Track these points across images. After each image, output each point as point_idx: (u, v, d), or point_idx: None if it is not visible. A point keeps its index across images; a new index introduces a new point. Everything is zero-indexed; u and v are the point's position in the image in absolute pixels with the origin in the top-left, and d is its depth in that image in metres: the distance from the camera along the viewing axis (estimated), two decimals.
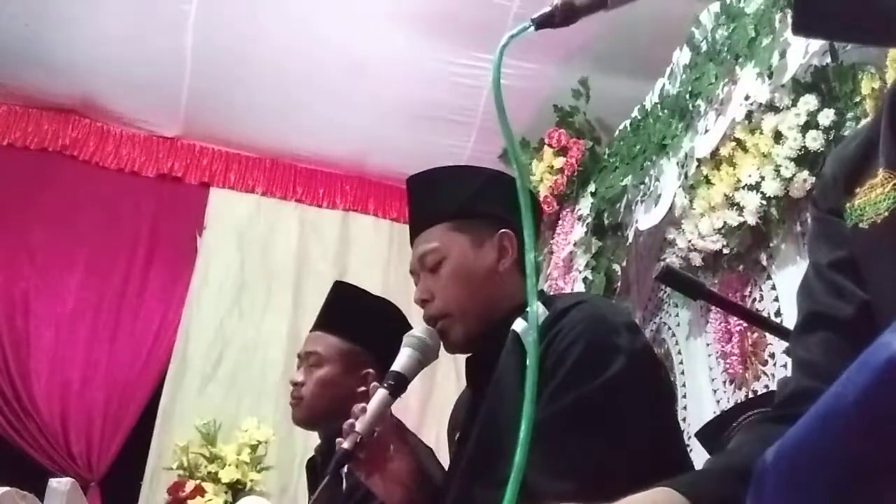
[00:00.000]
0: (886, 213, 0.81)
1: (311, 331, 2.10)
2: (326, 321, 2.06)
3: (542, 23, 0.82)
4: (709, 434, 1.73)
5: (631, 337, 1.22)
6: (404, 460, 1.31)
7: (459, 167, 1.56)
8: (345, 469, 1.81)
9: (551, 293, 1.94)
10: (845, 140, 1.00)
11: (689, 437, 1.81)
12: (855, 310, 0.87)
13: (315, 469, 2.02)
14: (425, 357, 1.34)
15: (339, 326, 2.01)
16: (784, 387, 0.94)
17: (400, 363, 1.32)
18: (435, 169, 1.50)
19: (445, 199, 1.43)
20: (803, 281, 0.96)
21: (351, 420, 1.26)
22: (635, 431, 1.15)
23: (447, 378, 4.16)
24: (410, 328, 2.05)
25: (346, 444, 1.23)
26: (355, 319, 2.01)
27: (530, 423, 0.65)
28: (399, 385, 1.30)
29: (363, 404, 1.28)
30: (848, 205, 0.88)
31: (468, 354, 1.44)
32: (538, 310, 1.26)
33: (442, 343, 1.38)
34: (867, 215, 0.84)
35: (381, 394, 1.28)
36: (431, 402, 4.09)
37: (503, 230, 1.39)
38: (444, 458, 1.65)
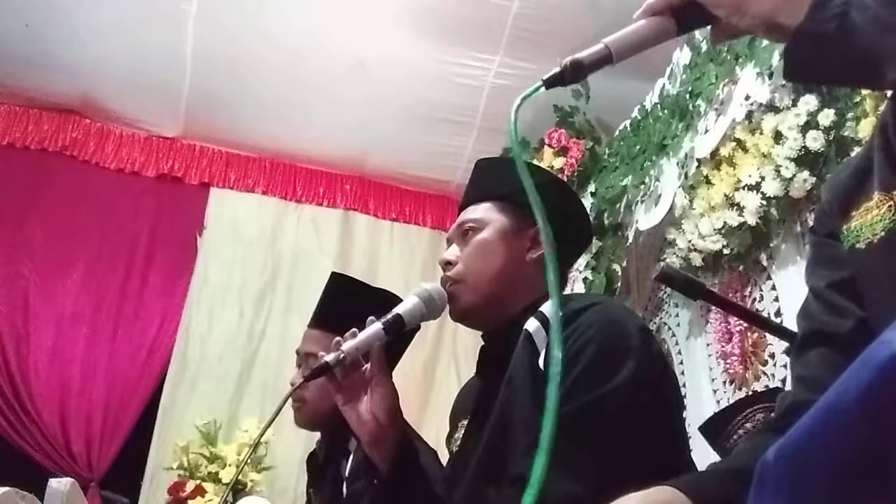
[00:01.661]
0: (883, 233, 0.84)
1: (308, 327, 2.04)
2: (324, 318, 1.99)
3: (553, 82, 0.87)
4: (711, 429, 1.73)
5: (643, 341, 1.22)
6: (384, 396, 1.33)
7: (528, 163, 1.58)
8: (346, 472, 1.81)
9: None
10: (840, 167, 1.03)
11: (690, 438, 1.82)
12: (853, 326, 0.89)
13: (316, 463, 2.01)
14: (428, 311, 1.35)
15: (338, 324, 1.95)
16: (783, 400, 0.96)
17: (403, 308, 1.34)
18: (503, 157, 1.54)
19: (501, 181, 1.47)
20: (802, 305, 0.99)
21: (339, 339, 1.30)
22: (644, 436, 1.15)
23: (447, 377, 4.17)
24: (412, 331, 2.03)
25: (327, 357, 1.27)
26: (355, 315, 1.98)
27: (553, 427, 0.64)
28: (395, 325, 1.31)
29: (354, 329, 1.31)
30: (844, 227, 0.90)
31: (472, 353, 1.45)
32: (551, 310, 1.28)
33: (449, 308, 1.40)
34: (863, 236, 0.86)
35: (375, 326, 1.31)
36: (431, 401, 4.09)
37: None
38: (443, 450, 1.65)
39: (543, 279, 1.41)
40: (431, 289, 1.37)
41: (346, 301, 1.98)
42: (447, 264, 1.42)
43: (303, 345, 2.02)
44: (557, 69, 0.86)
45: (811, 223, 1.05)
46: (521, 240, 1.42)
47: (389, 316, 1.32)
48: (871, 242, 0.85)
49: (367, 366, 1.32)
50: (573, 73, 0.87)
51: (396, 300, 1.95)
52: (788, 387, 1.04)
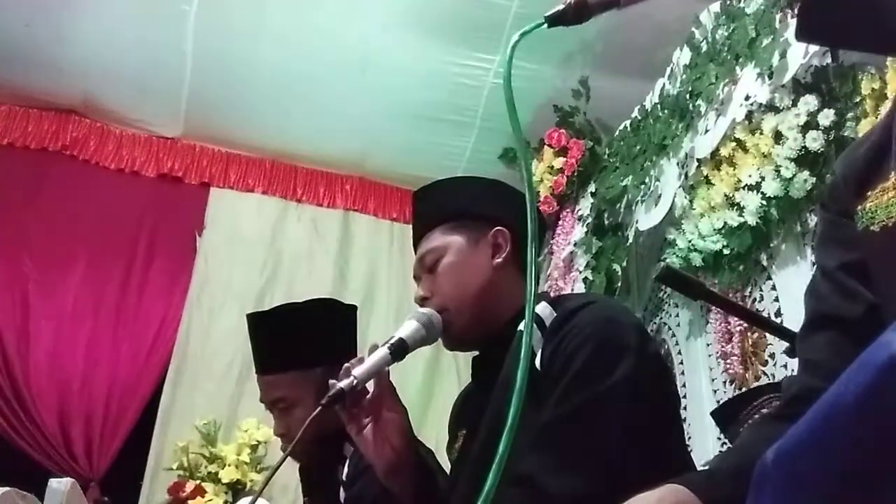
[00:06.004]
0: None
1: (258, 375, 1.90)
2: (271, 362, 1.87)
3: (555, 20, 0.83)
4: (725, 414, 1.71)
5: (640, 340, 1.22)
6: (396, 420, 1.30)
7: (458, 177, 1.62)
8: (343, 476, 1.80)
9: (552, 294, 1.93)
10: (855, 142, 1.00)
11: (689, 438, 1.81)
12: (863, 311, 0.87)
13: (309, 472, 1.99)
14: (428, 334, 1.33)
15: (287, 361, 1.81)
16: (790, 386, 0.94)
17: (405, 332, 1.31)
18: (434, 181, 1.53)
19: (443, 204, 1.46)
20: (811, 283, 0.96)
21: (347, 365, 1.25)
22: (641, 434, 1.15)
23: (447, 379, 4.17)
24: (355, 315, 1.95)
25: (341, 384, 1.22)
26: (299, 345, 1.81)
27: (516, 419, 0.65)
28: (400, 349, 1.28)
29: (360, 356, 1.27)
30: (859, 207, 0.88)
31: (472, 353, 1.44)
32: (546, 310, 1.28)
33: (442, 339, 1.38)
34: (878, 218, 0.84)
35: (381, 351, 1.26)
36: (432, 403, 4.09)
37: (498, 227, 1.41)
38: (443, 457, 1.64)
39: (522, 283, 1.39)
40: (429, 313, 1.35)
41: (276, 336, 1.88)
42: (423, 300, 1.40)
43: (263, 395, 1.89)
44: (561, 6, 0.82)
45: (813, 218, 1.03)
46: (482, 249, 1.41)
47: (393, 340, 1.28)
48: (885, 226, 0.83)
49: (371, 392, 1.28)
50: (576, 13, 0.82)
51: (319, 306, 1.89)
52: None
